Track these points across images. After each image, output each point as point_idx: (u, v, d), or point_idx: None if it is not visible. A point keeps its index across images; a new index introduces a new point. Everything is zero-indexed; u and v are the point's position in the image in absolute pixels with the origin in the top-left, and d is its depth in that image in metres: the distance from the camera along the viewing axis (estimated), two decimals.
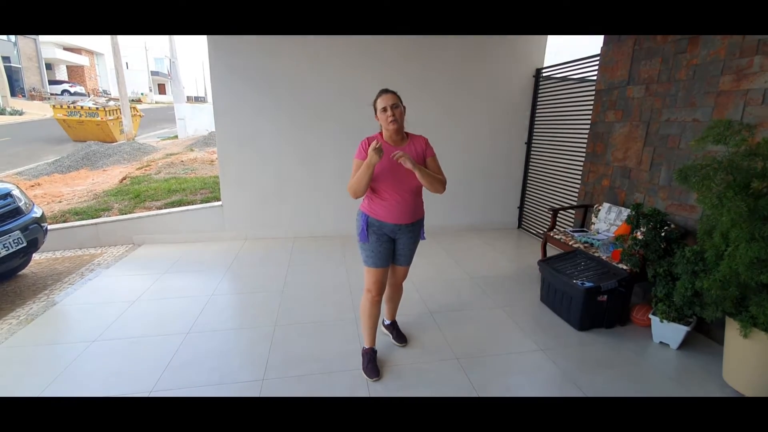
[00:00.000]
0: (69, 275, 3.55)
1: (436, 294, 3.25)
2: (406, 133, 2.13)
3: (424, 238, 2.27)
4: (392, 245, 2.19)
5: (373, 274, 2.15)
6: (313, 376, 2.19)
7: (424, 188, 2.10)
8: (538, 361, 2.39)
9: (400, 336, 2.51)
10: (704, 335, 2.65)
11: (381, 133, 2.11)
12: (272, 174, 4.52)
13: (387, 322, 2.59)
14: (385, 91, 2.02)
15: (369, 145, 1.98)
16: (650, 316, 2.58)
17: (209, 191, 5.74)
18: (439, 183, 2.02)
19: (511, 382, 2.19)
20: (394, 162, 1.94)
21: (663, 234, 2.65)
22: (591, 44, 3.97)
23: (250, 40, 4.11)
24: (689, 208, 2.77)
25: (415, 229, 2.19)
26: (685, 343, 2.50)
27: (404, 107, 2.05)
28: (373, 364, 2.22)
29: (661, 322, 2.47)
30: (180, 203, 5.16)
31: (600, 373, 2.27)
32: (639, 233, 2.78)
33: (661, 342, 2.56)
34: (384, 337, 2.56)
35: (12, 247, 3.00)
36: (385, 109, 1.99)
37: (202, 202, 5.18)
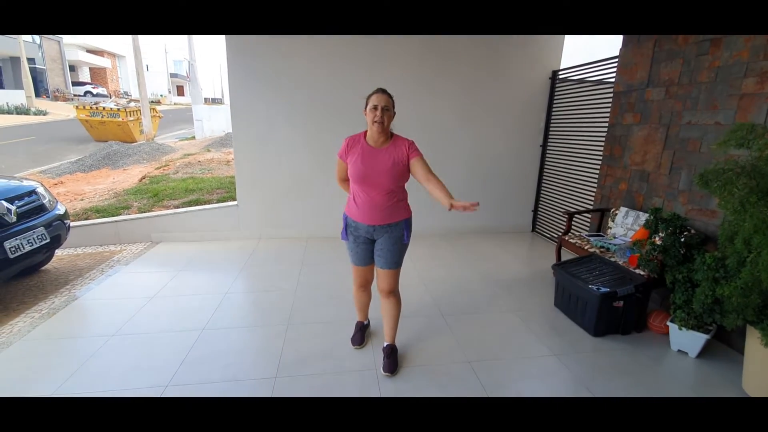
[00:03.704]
0: (90, 271, 3.65)
1: (448, 296, 3.24)
2: (392, 134, 2.11)
3: (406, 242, 2.17)
4: (370, 246, 2.21)
5: (354, 270, 2.33)
6: (324, 375, 2.21)
7: (403, 191, 2.14)
8: (551, 366, 2.36)
9: (389, 364, 2.23)
10: (724, 344, 2.59)
11: (365, 132, 2.11)
12: (287, 174, 4.57)
13: (384, 344, 2.36)
14: (383, 91, 2.01)
15: (350, 145, 2.09)
16: (668, 323, 2.53)
17: (225, 191, 5.83)
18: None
19: (523, 387, 2.17)
20: (366, 165, 2.02)
21: (682, 239, 2.59)
22: (609, 46, 3.92)
23: (267, 43, 4.17)
24: (710, 213, 2.70)
25: (392, 230, 2.12)
26: (704, 352, 2.44)
27: (395, 113, 2.05)
28: (359, 335, 2.53)
29: (680, 329, 2.42)
30: (197, 202, 5.26)
31: (615, 380, 2.23)
32: (657, 238, 2.73)
33: (679, 350, 2.51)
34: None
35: (36, 243, 3.10)
36: (375, 108, 1.97)
37: (218, 201, 5.27)
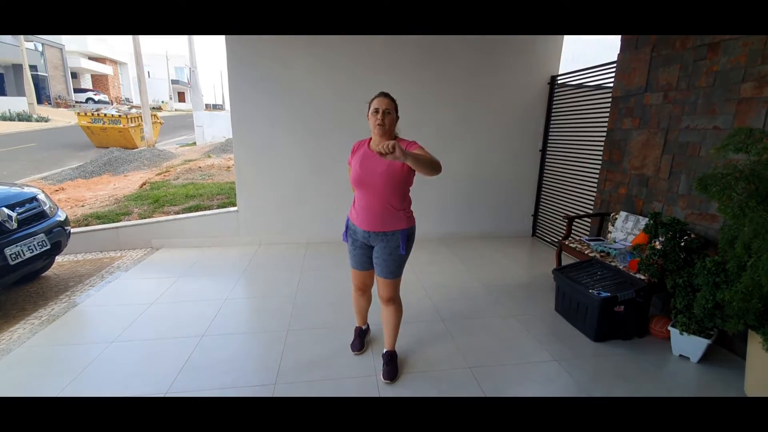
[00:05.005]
0: (90, 277, 3.65)
1: (448, 301, 3.23)
2: (396, 137, 2.07)
3: (402, 254, 2.10)
4: (368, 252, 2.18)
5: (352, 273, 2.32)
6: (324, 382, 2.20)
7: (403, 199, 2.06)
8: (552, 371, 2.35)
9: (389, 371, 2.22)
10: (726, 348, 2.57)
11: (371, 138, 2.10)
12: (287, 180, 4.58)
13: (384, 350, 2.33)
14: (384, 94, 2.00)
15: (354, 149, 2.11)
16: (669, 328, 2.52)
17: (225, 197, 5.84)
18: (429, 163, 1.80)
19: (524, 392, 2.16)
20: (365, 169, 1.99)
21: (683, 244, 2.59)
22: (607, 51, 3.94)
23: (268, 49, 4.20)
24: (710, 218, 2.70)
25: (388, 240, 2.07)
26: (706, 357, 2.43)
27: (398, 117, 2.05)
28: (358, 340, 2.52)
29: (681, 334, 2.41)
30: (197, 208, 5.26)
31: (616, 386, 2.22)
32: (657, 243, 2.73)
33: (680, 355, 2.50)
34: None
35: (36, 250, 3.10)
36: (377, 111, 1.96)
37: (218, 207, 5.28)
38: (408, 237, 2.11)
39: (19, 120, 19.26)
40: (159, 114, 17.64)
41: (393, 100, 2.01)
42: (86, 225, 4.72)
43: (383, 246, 2.09)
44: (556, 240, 4.62)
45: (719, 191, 1.99)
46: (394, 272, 2.13)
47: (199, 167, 8.56)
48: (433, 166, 1.81)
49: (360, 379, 2.24)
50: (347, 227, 2.21)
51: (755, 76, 2.43)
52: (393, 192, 2.00)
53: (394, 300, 2.21)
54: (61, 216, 3.53)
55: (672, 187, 3.00)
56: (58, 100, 25.91)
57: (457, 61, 4.51)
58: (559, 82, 4.65)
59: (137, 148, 12.73)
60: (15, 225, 3.02)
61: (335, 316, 2.94)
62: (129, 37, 16.47)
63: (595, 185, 3.92)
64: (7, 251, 2.86)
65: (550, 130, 4.83)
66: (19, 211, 3.13)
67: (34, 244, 3.09)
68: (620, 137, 3.53)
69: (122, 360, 2.39)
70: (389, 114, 1.97)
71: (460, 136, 4.73)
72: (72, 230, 3.77)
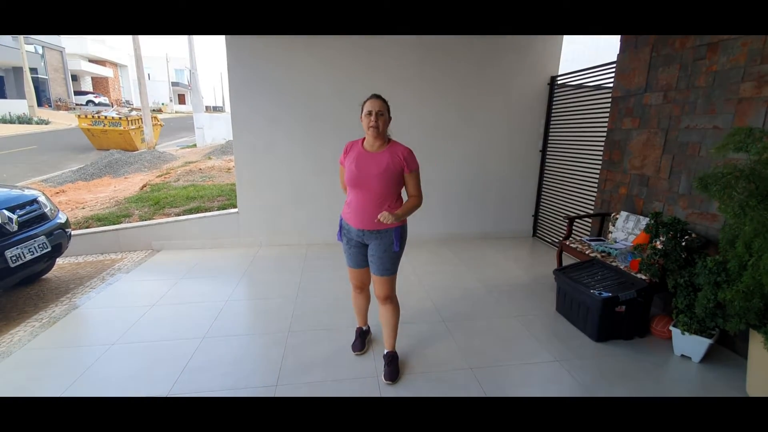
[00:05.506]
0: (91, 279, 3.64)
1: (449, 302, 3.23)
2: (389, 139, 2.14)
3: (396, 251, 2.13)
4: (363, 250, 2.22)
5: (349, 271, 2.35)
6: (325, 383, 2.20)
7: (397, 199, 2.13)
8: (554, 372, 2.35)
9: (390, 371, 2.21)
10: (728, 348, 2.57)
11: (364, 139, 2.15)
12: (287, 181, 4.58)
13: (385, 351, 2.34)
14: (377, 96, 2.05)
15: (347, 149, 2.17)
16: (671, 327, 2.52)
17: (226, 198, 5.84)
18: (413, 210, 2.09)
19: (525, 393, 2.16)
20: (359, 168, 2.05)
21: (683, 243, 2.59)
22: (607, 51, 3.94)
23: (267, 51, 4.20)
24: (711, 217, 2.70)
25: (382, 237, 2.10)
26: (708, 356, 2.42)
27: (390, 118, 2.10)
28: (359, 341, 2.52)
29: (683, 334, 2.40)
30: (198, 210, 5.26)
31: (618, 386, 2.22)
32: (658, 242, 2.73)
33: (682, 355, 2.49)
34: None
35: (37, 252, 3.11)
36: (369, 113, 2.01)
37: (218, 209, 5.27)
38: (401, 234, 2.15)
39: (20, 123, 19.30)
40: (159, 116, 17.64)
41: (385, 102, 2.06)
42: (87, 227, 4.72)
43: (377, 244, 2.13)
44: (557, 240, 4.62)
45: (719, 190, 1.99)
46: (390, 269, 2.16)
47: (200, 169, 8.56)
48: (416, 209, 2.10)
49: (361, 380, 2.24)
50: (341, 227, 2.25)
51: (754, 75, 2.44)
52: (388, 192, 2.06)
53: (390, 299, 2.23)
54: (61, 218, 3.53)
55: (672, 186, 3.00)
56: (59, 103, 25.94)
57: (457, 62, 4.51)
58: (559, 82, 4.66)
59: (137, 150, 12.75)
60: (16, 227, 3.02)
61: (336, 317, 2.93)
62: (129, 39, 16.51)
63: (596, 185, 3.92)
64: (8, 253, 2.86)
65: (550, 130, 4.83)
66: (20, 213, 3.13)
67: (34, 247, 3.09)
68: (620, 137, 3.54)
69: (123, 362, 2.38)
70: (382, 116, 2.03)
71: (460, 136, 4.73)
72: (72, 232, 3.77)
